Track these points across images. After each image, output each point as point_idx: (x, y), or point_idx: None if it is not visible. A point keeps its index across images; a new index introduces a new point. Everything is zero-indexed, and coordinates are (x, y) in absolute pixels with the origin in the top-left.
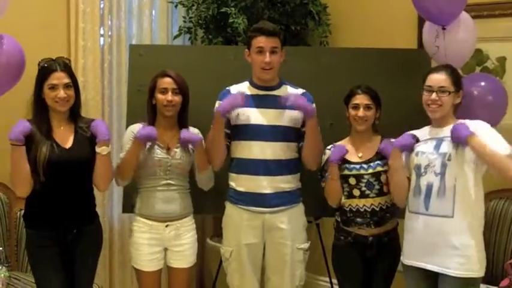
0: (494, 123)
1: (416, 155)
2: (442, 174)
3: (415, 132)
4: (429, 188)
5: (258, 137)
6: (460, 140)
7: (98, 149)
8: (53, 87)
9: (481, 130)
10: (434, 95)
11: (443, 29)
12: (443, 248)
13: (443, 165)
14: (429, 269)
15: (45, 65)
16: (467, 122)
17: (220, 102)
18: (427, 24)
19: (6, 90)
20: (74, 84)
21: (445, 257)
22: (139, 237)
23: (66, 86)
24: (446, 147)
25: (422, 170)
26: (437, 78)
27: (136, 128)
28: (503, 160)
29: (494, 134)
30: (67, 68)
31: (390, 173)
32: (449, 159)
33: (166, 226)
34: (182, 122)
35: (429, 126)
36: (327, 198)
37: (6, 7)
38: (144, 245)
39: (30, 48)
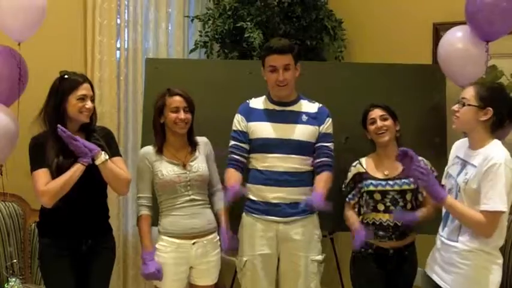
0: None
1: (446, 176)
2: None
3: (460, 141)
4: (447, 211)
5: (271, 150)
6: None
7: (97, 163)
8: (82, 98)
9: (489, 169)
10: (455, 106)
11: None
12: (446, 265)
13: (456, 194)
14: (434, 280)
15: (73, 76)
16: (494, 150)
17: (240, 114)
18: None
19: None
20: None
21: (447, 273)
22: (164, 257)
23: (91, 98)
24: (462, 176)
25: (447, 192)
26: (463, 91)
27: (147, 150)
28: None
29: (497, 180)
30: (90, 82)
31: None
32: (459, 191)
33: (193, 244)
34: (191, 138)
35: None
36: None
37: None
38: (170, 264)
39: (47, 61)
